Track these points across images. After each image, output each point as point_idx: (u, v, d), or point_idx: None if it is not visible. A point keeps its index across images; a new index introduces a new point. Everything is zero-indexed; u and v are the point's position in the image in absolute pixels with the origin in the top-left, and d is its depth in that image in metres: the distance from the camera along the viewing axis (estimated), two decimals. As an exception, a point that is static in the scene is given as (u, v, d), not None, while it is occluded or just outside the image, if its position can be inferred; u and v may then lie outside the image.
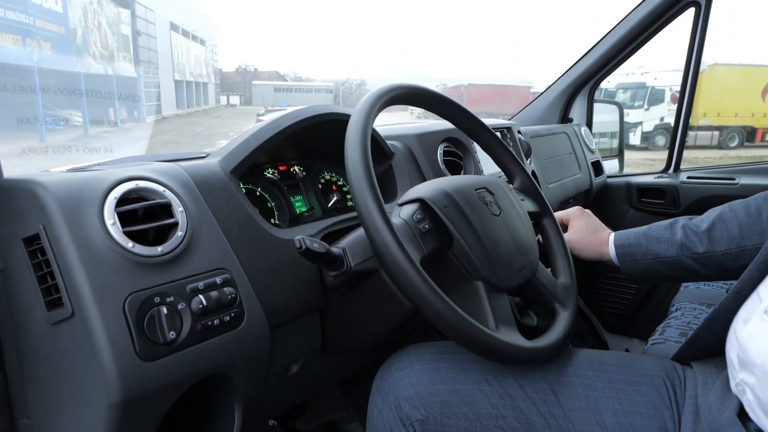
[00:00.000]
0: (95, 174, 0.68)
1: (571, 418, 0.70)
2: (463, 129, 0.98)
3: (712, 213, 0.93)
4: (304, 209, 1.03)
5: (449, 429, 0.71)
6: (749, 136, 15.46)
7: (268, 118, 0.94)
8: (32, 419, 0.72)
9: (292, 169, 1.07)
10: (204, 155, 0.93)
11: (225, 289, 0.71)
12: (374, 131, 1.06)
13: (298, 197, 1.04)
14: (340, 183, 1.13)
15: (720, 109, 14.71)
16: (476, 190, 0.84)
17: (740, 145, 15.29)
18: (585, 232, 1.05)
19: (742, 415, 0.63)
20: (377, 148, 1.10)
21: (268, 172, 1.02)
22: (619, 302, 2.01)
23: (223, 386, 0.75)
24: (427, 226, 0.76)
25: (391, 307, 0.81)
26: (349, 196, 1.13)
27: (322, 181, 1.11)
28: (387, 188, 1.13)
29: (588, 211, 1.11)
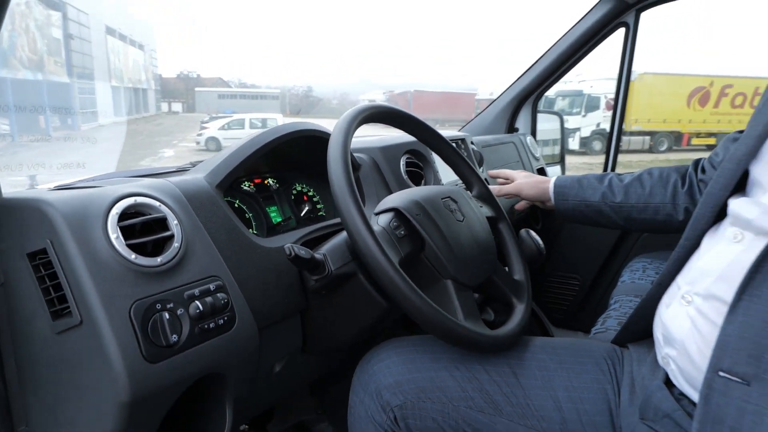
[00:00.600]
0: (96, 191, 0.73)
1: (530, 396, 0.81)
2: (426, 143, 1.07)
3: (636, 173, 1.17)
4: (279, 219, 1.10)
5: (425, 411, 0.80)
6: (677, 140, 16.52)
7: (248, 133, 1.01)
8: (31, 426, 0.75)
9: (266, 182, 1.13)
10: (187, 168, 0.98)
11: (218, 294, 0.77)
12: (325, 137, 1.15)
13: (273, 208, 1.11)
14: (311, 194, 1.20)
15: (650, 115, 15.67)
16: (442, 198, 0.94)
17: (669, 149, 16.33)
18: (530, 177, 1.32)
19: (668, 383, 0.75)
20: None
21: (245, 185, 1.08)
22: (565, 299, 2.17)
23: (217, 385, 0.81)
24: (402, 232, 0.84)
25: (368, 308, 0.89)
26: (319, 206, 1.20)
27: (294, 192, 1.18)
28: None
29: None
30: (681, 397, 0.72)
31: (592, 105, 15.85)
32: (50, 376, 0.72)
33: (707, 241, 0.75)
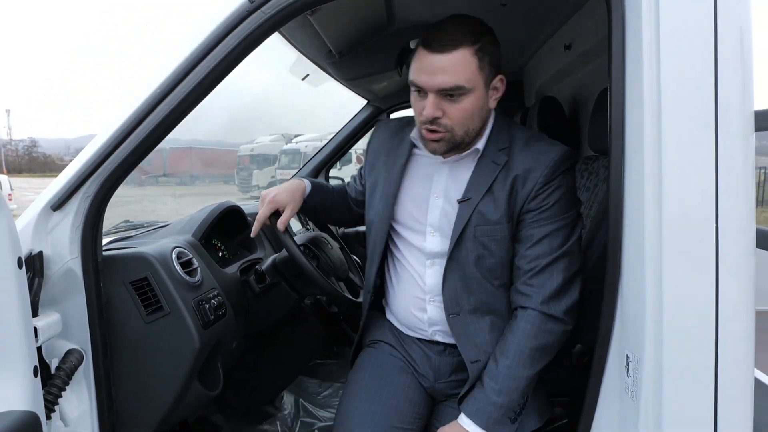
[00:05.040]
0: (160, 244, 1.36)
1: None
2: None
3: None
4: (226, 256, 1.78)
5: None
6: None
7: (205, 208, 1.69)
8: (123, 384, 1.30)
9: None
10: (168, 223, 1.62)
11: (218, 298, 1.46)
12: (240, 210, 1.88)
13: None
14: (219, 245, 1.89)
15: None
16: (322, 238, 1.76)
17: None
18: (279, 187, 1.42)
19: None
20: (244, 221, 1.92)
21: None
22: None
23: (216, 350, 1.47)
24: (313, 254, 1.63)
25: (286, 300, 1.65)
26: (224, 252, 1.90)
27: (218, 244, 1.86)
28: (250, 245, 1.94)
29: None
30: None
31: (347, 159, 18.01)
32: (141, 350, 1.30)
33: None
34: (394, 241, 1.33)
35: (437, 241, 1.25)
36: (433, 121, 1.13)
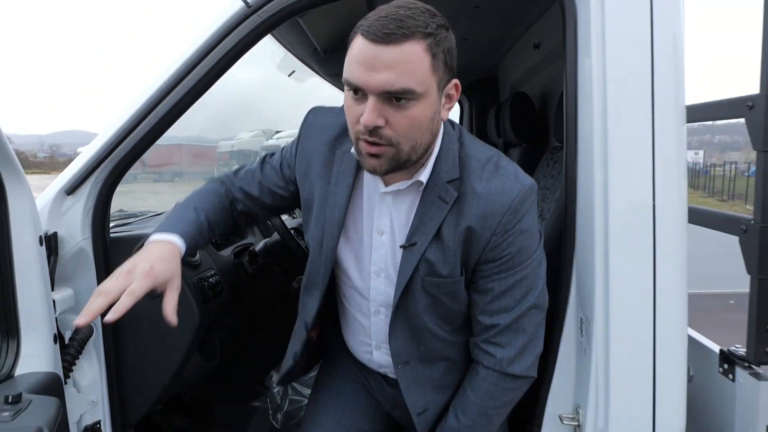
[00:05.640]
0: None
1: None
2: None
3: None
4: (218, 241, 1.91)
5: None
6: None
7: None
8: (128, 357, 1.42)
9: None
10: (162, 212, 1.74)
11: (216, 277, 1.58)
12: None
13: None
14: None
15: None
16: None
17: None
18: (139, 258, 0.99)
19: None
20: None
21: None
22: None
23: (214, 325, 1.59)
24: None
25: (277, 280, 1.78)
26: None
27: None
28: (240, 231, 2.07)
29: None
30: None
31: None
32: (146, 324, 1.41)
33: None
34: (336, 275, 1.16)
35: (381, 286, 1.09)
36: (373, 131, 0.90)
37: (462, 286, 1.05)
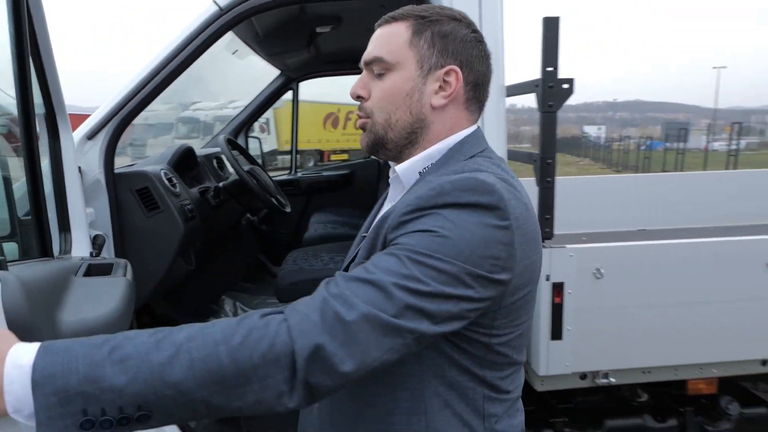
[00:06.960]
0: (151, 167, 2.01)
1: None
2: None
3: None
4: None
5: None
6: (321, 157, 20.30)
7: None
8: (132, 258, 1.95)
9: None
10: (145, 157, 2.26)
11: (190, 205, 2.14)
12: (193, 150, 2.53)
13: None
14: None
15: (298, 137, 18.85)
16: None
17: (315, 164, 19.99)
18: None
19: None
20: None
21: None
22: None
23: (190, 239, 2.15)
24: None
25: (234, 212, 2.35)
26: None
27: None
28: (201, 178, 2.61)
29: None
30: None
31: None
32: (142, 237, 1.95)
33: None
34: None
35: None
36: (360, 104, 0.93)
37: None
